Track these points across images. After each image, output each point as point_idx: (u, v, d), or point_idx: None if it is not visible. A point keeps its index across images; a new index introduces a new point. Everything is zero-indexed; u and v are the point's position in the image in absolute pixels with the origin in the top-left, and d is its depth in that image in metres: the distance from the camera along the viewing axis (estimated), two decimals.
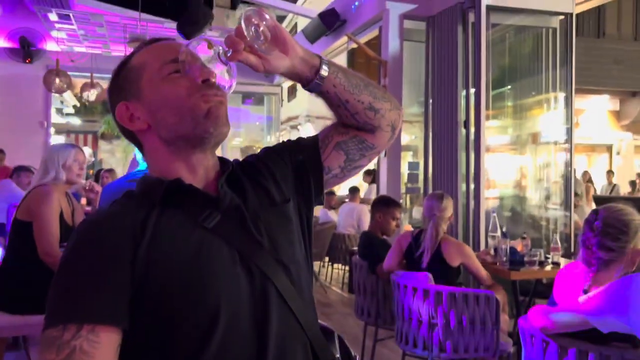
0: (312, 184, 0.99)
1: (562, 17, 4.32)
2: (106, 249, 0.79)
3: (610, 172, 11.41)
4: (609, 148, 13.17)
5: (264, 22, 0.82)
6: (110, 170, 6.35)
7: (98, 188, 2.93)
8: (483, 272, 2.95)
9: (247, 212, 0.89)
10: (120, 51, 6.51)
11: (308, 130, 12.84)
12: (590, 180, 9.51)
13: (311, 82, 0.91)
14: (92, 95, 6.37)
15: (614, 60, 11.12)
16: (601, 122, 12.38)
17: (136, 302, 0.77)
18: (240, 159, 1.03)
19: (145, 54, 0.90)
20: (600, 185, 11.24)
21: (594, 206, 7.26)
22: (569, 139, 4.40)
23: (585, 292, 1.80)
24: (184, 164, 0.88)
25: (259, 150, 1.06)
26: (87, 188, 2.88)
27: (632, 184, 11.08)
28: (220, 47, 0.81)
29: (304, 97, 13.02)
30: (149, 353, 0.79)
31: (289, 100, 13.80)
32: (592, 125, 11.96)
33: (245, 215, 0.88)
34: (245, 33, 0.79)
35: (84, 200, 4.18)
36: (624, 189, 11.33)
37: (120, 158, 14.21)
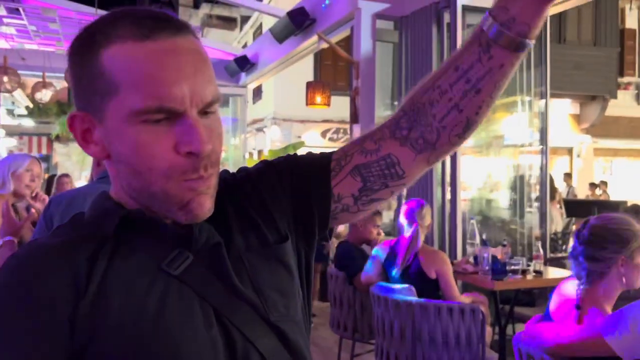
0: (315, 216, 0.75)
1: None
2: (38, 303, 0.58)
3: (567, 175, 11.66)
4: (569, 151, 13.49)
5: None
6: (67, 175, 5.93)
7: (44, 196, 2.65)
8: (454, 293, 2.75)
9: (229, 253, 0.67)
10: None
11: (274, 133, 12.62)
12: (552, 183, 9.67)
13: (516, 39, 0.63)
14: (45, 95, 5.99)
15: (575, 65, 11.38)
16: (563, 125, 12.67)
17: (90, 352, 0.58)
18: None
19: (128, 59, 0.59)
20: (559, 188, 11.47)
21: (556, 209, 7.33)
22: (544, 142, 4.36)
23: (578, 308, 1.69)
24: (150, 195, 0.66)
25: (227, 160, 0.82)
26: (32, 196, 2.60)
27: (592, 185, 11.34)
28: None
29: (269, 99, 12.80)
30: None
31: (254, 102, 13.54)
32: (554, 128, 12.19)
33: (224, 258, 0.67)
34: None
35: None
36: (584, 191, 11.59)
37: (77, 161, 13.62)
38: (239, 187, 0.74)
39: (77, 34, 0.64)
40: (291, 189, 0.74)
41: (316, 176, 0.74)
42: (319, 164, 0.75)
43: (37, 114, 14.13)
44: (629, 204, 6.97)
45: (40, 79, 5.95)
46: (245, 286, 0.67)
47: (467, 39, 0.67)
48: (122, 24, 0.60)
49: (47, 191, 5.71)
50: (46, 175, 7.70)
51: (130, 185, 0.64)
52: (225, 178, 0.76)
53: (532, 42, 0.63)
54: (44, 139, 14.82)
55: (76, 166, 13.22)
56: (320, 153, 0.78)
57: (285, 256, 0.72)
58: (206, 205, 0.64)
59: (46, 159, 14.49)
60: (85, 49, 0.62)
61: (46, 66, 5.95)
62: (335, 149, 0.78)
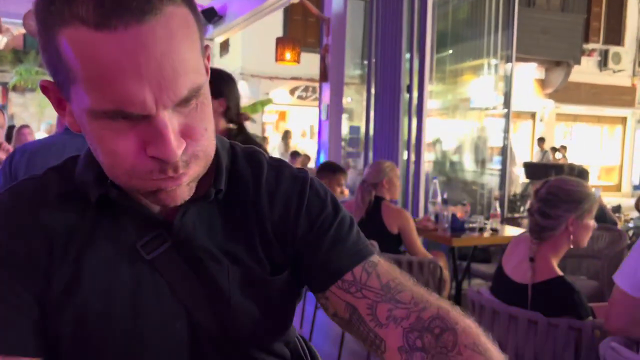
0: (304, 278, 0.70)
1: None
2: (14, 260, 0.59)
3: (541, 139, 11.97)
4: (532, 115, 13.81)
5: None
6: (28, 126, 5.73)
7: (8, 147, 2.59)
8: (418, 248, 2.88)
9: (217, 258, 0.64)
10: None
11: (242, 89, 12.40)
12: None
13: None
14: (1, 42, 5.71)
15: (542, 29, 11.51)
16: (527, 89, 12.90)
17: (52, 328, 0.60)
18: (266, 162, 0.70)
19: (82, 51, 0.49)
20: (521, 152, 11.82)
21: (516, 171, 7.59)
22: (508, 105, 4.48)
23: (531, 260, 1.80)
24: (119, 183, 0.62)
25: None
26: None
27: (553, 149, 11.71)
28: None
29: (237, 54, 12.52)
30: None
31: (221, 56, 13.22)
32: (519, 92, 12.44)
33: (204, 259, 0.63)
34: None
35: None
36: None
37: (35, 113, 13.12)
38: (259, 192, 0.67)
39: None
40: (302, 241, 0.67)
41: (324, 270, 0.66)
42: (339, 262, 0.66)
43: None
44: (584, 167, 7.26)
45: None
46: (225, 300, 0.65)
47: None
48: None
49: (7, 142, 5.51)
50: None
51: (101, 167, 0.60)
52: (251, 173, 0.68)
53: None
54: None
55: (34, 117, 12.75)
56: (357, 242, 0.68)
57: (275, 290, 0.67)
58: (179, 196, 0.58)
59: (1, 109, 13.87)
60: (43, 17, 0.52)
61: (2, 10, 5.65)
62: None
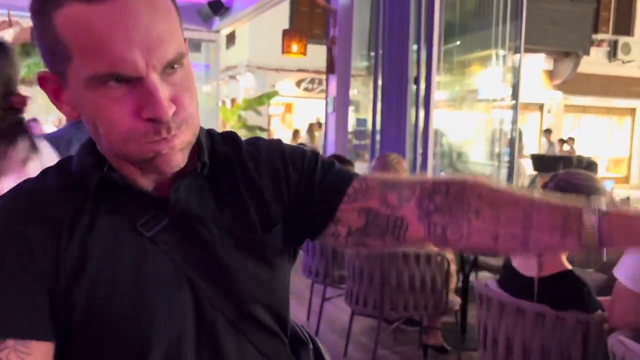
0: (309, 225, 0.74)
1: None
2: (24, 255, 0.62)
3: (547, 131, 11.90)
4: (540, 107, 13.70)
5: None
6: (35, 120, 5.76)
7: None
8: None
9: (209, 229, 0.68)
10: None
11: (248, 81, 12.40)
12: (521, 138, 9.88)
13: None
14: (8, 35, 5.72)
15: (551, 20, 11.39)
16: (535, 81, 12.79)
17: (63, 311, 0.63)
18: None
19: (76, 24, 0.56)
20: (529, 143, 11.74)
21: (522, 163, 7.55)
22: (516, 97, 4.45)
23: (539, 255, 1.80)
24: (115, 154, 0.66)
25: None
26: None
27: (561, 141, 11.63)
28: None
29: (244, 46, 12.50)
30: None
31: (227, 48, 13.19)
32: (527, 84, 12.35)
33: (198, 231, 0.68)
34: None
35: None
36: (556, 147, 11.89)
37: (43, 105, 13.18)
38: (243, 163, 0.73)
39: None
40: (297, 189, 0.73)
41: (327, 195, 0.73)
42: (337, 183, 0.73)
43: None
44: (592, 159, 7.21)
45: (5, 17, 5.66)
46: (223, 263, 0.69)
47: (557, 206, 0.65)
48: None
49: None
50: None
51: (99, 144, 0.65)
52: (231, 150, 0.74)
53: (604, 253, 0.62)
54: None
55: (42, 110, 12.81)
56: (342, 169, 0.76)
57: (268, 248, 0.72)
58: (173, 161, 0.62)
59: None
60: (39, 7, 0.59)
61: (11, 3, 5.65)
62: (351, 172, 0.74)
